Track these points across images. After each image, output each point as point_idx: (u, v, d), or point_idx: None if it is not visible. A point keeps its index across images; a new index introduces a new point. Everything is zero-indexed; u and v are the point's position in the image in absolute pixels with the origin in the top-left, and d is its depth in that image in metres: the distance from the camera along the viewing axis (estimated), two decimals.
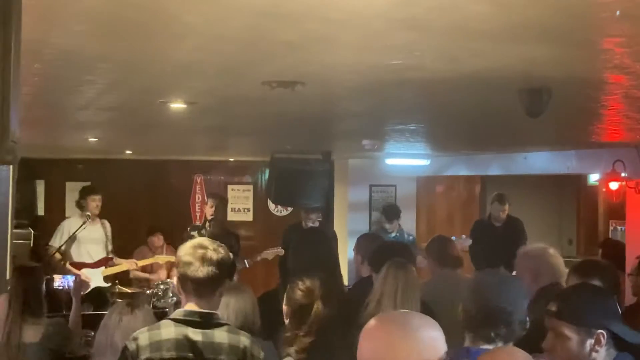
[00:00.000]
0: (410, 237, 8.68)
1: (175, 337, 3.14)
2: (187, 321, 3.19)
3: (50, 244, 8.24)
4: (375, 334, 2.09)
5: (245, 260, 7.75)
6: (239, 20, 2.55)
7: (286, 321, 3.45)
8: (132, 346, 3.13)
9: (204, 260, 3.19)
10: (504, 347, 2.77)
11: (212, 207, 7.91)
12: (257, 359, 3.27)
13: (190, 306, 3.23)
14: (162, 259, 8.70)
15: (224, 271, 3.24)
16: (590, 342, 2.76)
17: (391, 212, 8.97)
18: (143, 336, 3.15)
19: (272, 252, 7.80)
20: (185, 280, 3.22)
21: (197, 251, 3.22)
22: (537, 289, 3.99)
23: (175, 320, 3.20)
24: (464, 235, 8.38)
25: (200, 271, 3.18)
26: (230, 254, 3.33)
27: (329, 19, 2.51)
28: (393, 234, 8.77)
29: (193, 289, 3.21)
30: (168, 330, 3.17)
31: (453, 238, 7.88)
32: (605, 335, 2.75)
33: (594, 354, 2.76)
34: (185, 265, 3.21)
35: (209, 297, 3.22)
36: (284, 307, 3.49)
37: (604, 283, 3.71)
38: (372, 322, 2.16)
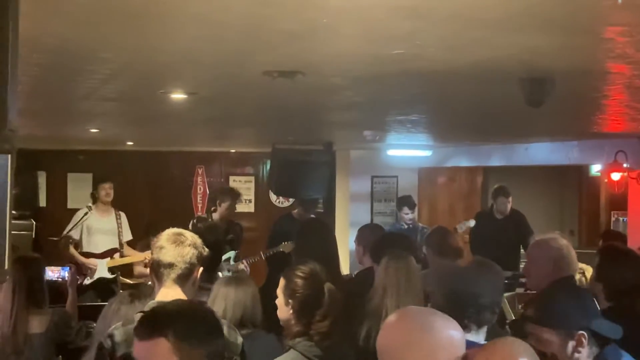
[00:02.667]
0: (425, 230, 8.65)
1: None
2: None
3: (64, 233, 8.23)
4: (396, 329, 2.09)
5: (261, 253, 7.72)
6: (240, 9, 2.54)
7: (288, 313, 3.37)
8: (107, 343, 3.07)
9: (175, 244, 3.15)
10: (505, 338, 2.76)
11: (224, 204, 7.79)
12: (234, 345, 3.22)
13: (161, 296, 3.14)
14: None
15: (196, 258, 3.18)
16: (571, 343, 2.75)
17: (410, 201, 8.97)
18: (118, 332, 3.09)
19: (289, 245, 7.57)
20: (157, 266, 3.16)
21: (170, 237, 3.19)
22: (553, 280, 3.86)
23: None
24: (465, 221, 8.34)
25: (170, 255, 3.14)
26: (205, 248, 3.27)
27: (329, 8, 2.50)
28: (406, 227, 8.76)
29: (164, 275, 3.15)
30: None
31: (457, 227, 7.91)
32: (587, 336, 2.75)
33: (576, 355, 2.75)
34: (157, 250, 3.18)
35: (181, 285, 3.15)
36: (284, 301, 3.40)
37: (634, 270, 3.70)
38: (394, 316, 2.15)
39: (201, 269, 3.24)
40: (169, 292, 3.15)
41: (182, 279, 3.16)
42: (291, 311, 3.32)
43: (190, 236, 3.23)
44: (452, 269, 3.22)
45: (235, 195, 7.97)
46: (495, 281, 3.28)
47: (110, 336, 3.07)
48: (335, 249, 5.04)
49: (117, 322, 3.42)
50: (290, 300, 3.32)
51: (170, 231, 3.25)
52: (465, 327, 2.95)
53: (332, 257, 4.84)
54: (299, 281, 3.35)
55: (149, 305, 3.18)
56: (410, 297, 3.96)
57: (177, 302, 2.39)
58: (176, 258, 3.14)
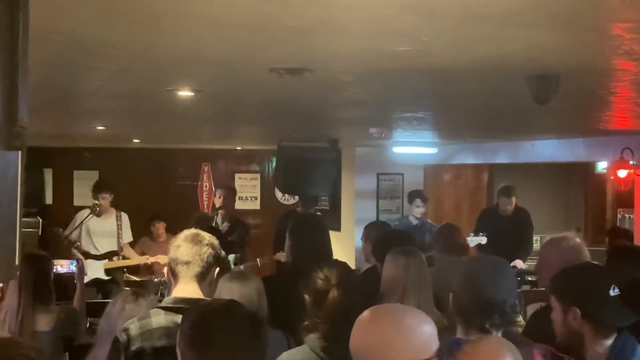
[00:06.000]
0: (434, 228, 8.66)
1: (166, 325, 3.08)
2: (176, 308, 3.11)
3: (65, 233, 8.26)
4: (370, 328, 2.10)
5: (258, 260, 7.74)
6: (247, 6, 2.55)
7: (308, 309, 3.41)
8: (122, 337, 3.08)
9: (193, 243, 3.18)
10: (488, 336, 2.75)
11: (220, 197, 7.88)
12: None
13: (178, 293, 3.17)
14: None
15: (213, 257, 3.21)
16: (569, 316, 2.89)
17: (422, 194, 8.98)
18: (133, 326, 3.11)
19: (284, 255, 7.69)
20: (175, 264, 3.19)
21: (188, 236, 3.22)
22: None
23: (165, 309, 3.16)
24: (475, 236, 8.30)
25: (188, 253, 3.16)
26: (222, 251, 3.31)
27: (336, 4, 2.51)
28: (415, 222, 8.76)
29: (181, 272, 3.17)
30: (158, 319, 3.12)
31: (468, 239, 7.85)
32: (579, 313, 2.85)
33: (578, 329, 2.86)
34: (174, 248, 3.21)
35: (197, 284, 3.17)
36: (306, 296, 3.45)
37: None
38: (367, 314, 2.15)
39: (217, 269, 3.27)
40: (186, 288, 3.17)
41: (200, 277, 3.18)
42: (309, 307, 3.35)
43: (207, 237, 3.25)
44: (479, 270, 3.17)
45: (229, 189, 8.05)
46: (514, 281, 3.28)
47: (126, 330, 3.09)
48: (328, 246, 5.01)
49: (123, 321, 3.44)
50: (307, 297, 3.37)
51: (187, 231, 3.28)
52: (487, 332, 2.94)
53: (327, 254, 4.81)
54: (318, 280, 3.36)
55: (166, 301, 3.21)
56: (428, 296, 3.98)
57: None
58: (194, 256, 3.17)
